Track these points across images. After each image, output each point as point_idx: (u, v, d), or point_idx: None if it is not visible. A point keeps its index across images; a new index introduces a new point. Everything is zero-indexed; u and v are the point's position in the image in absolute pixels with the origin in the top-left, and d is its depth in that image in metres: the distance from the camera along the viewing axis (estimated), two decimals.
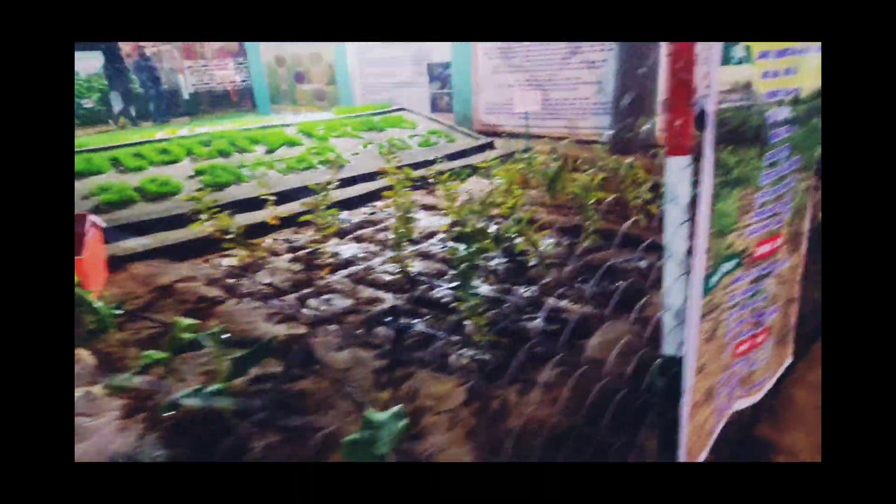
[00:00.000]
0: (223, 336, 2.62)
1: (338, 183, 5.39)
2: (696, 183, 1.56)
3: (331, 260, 4.47)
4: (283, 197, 5.53)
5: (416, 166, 6.75)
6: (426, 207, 5.76)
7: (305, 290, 3.92)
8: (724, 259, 1.73)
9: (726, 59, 1.48)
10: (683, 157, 1.51)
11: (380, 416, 1.78)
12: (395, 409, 1.90)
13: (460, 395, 2.57)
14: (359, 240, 5.02)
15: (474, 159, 7.53)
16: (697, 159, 1.57)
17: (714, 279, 1.68)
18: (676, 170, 1.53)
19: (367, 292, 3.85)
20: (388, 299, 3.74)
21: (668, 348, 1.73)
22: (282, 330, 3.34)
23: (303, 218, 4.10)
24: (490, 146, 8.55)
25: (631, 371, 2.40)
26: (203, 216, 4.24)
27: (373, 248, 4.75)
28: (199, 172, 6.25)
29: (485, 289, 3.75)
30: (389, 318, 3.44)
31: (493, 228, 3.79)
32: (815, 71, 2.07)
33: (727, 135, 1.58)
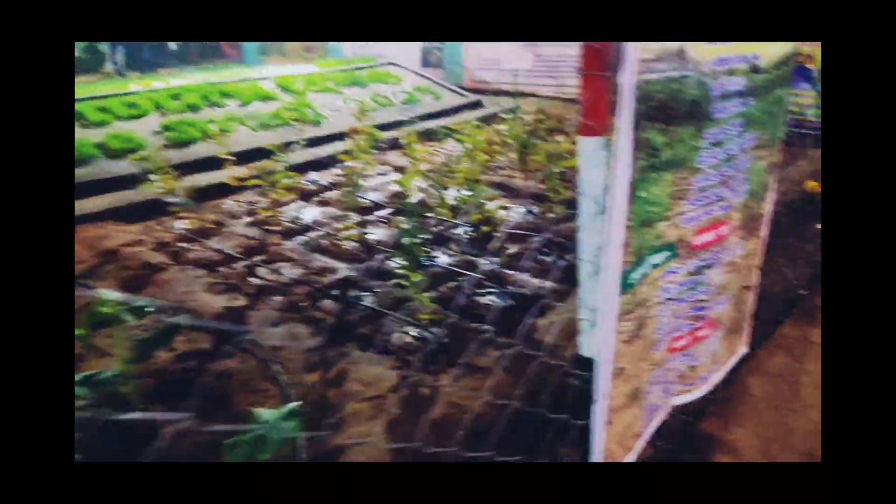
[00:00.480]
0: (148, 310, 2.45)
1: (305, 143, 5.14)
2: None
3: (290, 225, 4.28)
4: (248, 156, 5.28)
5: (391, 126, 6.47)
6: (400, 170, 5.52)
7: (256, 258, 3.75)
8: (651, 251, 1.53)
9: None
10: (596, 139, 1.30)
11: (269, 414, 1.62)
12: (290, 406, 1.73)
13: (390, 380, 2.42)
14: (323, 203, 4.81)
15: (459, 118, 7.22)
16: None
17: (636, 275, 1.48)
18: (589, 153, 1.31)
19: (319, 261, 3.68)
20: (341, 269, 3.57)
21: (584, 349, 1.56)
22: (221, 302, 3.18)
23: (250, 182, 3.88)
24: (478, 105, 8.21)
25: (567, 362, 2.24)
26: (154, 176, 4.03)
27: (337, 212, 4.54)
28: (165, 128, 5.99)
29: (443, 260, 3.57)
30: (337, 292, 3.27)
31: (451, 197, 3.59)
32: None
33: (653, 111, 1.35)
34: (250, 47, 13.75)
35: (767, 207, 2.06)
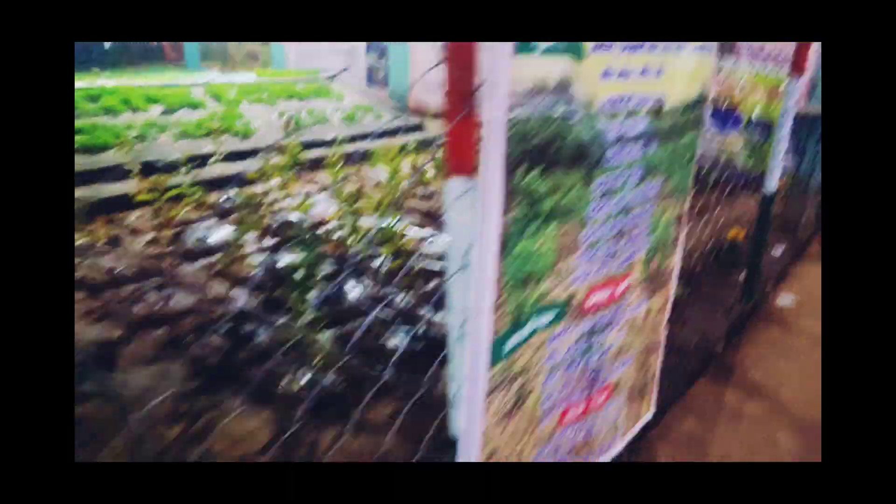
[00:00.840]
0: None
1: (222, 156, 4.81)
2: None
3: (193, 245, 3.93)
4: (162, 167, 4.89)
5: (323, 144, 6.20)
6: (326, 190, 5.24)
7: (147, 282, 3.38)
8: (533, 313, 1.33)
9: (523, 48, 1.06)
10: (464, 179, 1.09)
11: None
12: None
13: (262, 437, 2.13)
14: (239, 222, 4.47)
15: (396, 140, 7.03)
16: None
17: (512, 341, 1.28)
18: (456, 196, 1.10)
19: (218, 288, 3.35)
20: (241, 298, 3.25)
21: (454, 427, 1.33)
22: (93, 332, 2.81)
23: (140, 197, 3.51)
24: (419, 128, 8.04)
25: None
26: None
27: (251, 234, 4.21)
28: (77, 131, 5.53)
29: (353, 294, 3.31)
30: (229, 325, 2.95)
31: (364, 225, 3.34)
32: (694, 75, 1.68)
33: (532, 153, 1.16)
34: (193, 51, 13.21)
35: (675, 261, 1.91)
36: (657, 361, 2.00)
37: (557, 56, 1.14)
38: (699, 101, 1.75)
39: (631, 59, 1.37)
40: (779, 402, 2.50)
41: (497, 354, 1.23)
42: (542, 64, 1.12)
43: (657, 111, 1.55)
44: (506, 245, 1.16)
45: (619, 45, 1.32)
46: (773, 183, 3.23)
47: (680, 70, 1.59)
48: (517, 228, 1.17)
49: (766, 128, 5.41)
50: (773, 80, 5.28)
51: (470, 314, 1.14)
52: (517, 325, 1.27)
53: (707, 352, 2.83)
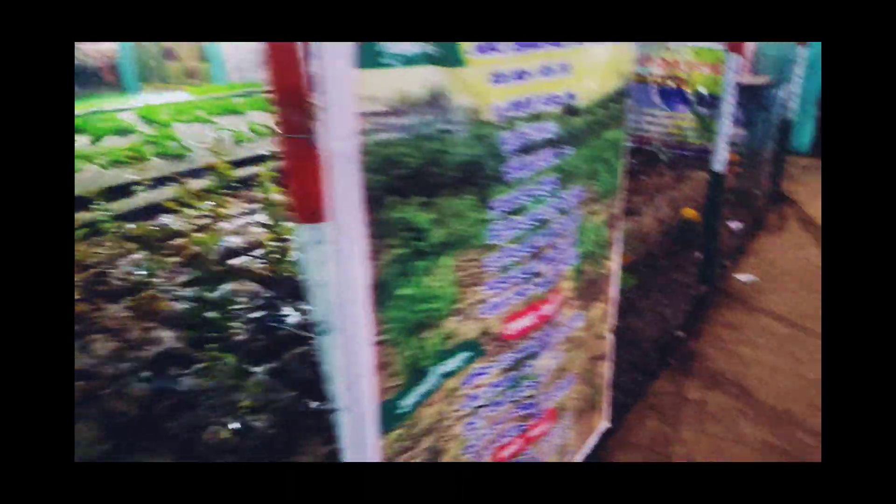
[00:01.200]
0: None
1: (147, 185, 4.52)
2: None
3: (119, 283, 3.65)
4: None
5: (257, 160, 5.91)
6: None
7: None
8: (437, 359, 1.15)
9: (370, 60, 0.87)
10: (317, 227, 0.89)
11: None
12: None
13: None
14: (170, 254, 4.20)
15: None
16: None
17: (410, 399, 1.09)
18: (310, 245, 0.91)
19: (139, 331, 3.09)
20: (168, 339, 3.01)
21: None
22: None
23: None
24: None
25: None
26: None
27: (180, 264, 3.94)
28: None
29: (292, 320, 3.09)
30: (150, 374, 2.71)
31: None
32: (609, 67, 1.51)
33: (404, 182, 0.98)
34: (129, 73, 12.63)
35: (612, 265, 1.75)
36: (605, 370, 1.85)
37: (424, 66, 0.95)
38: (620, 94, 1.59)
39: (526, 58, 1.19)
40: (745, 390, 2.39)
41: (391, 419, 1.04)
42: (406, 75, 0.93)
43: (569, 111, 1.38)
44: (384, 293, 0.97)
45: (510, 44, 1.14)
46: (721, 158, 3.12)
47: (592, 63, 1.42)
48: (396, 271, 0.99)
49: (712, 102, 5.35)
50: (714, 55, 5.22)
51: (347, 381, 0.95)
52: (416, 378, 1.09)
53: (666, 342, 2.70)
